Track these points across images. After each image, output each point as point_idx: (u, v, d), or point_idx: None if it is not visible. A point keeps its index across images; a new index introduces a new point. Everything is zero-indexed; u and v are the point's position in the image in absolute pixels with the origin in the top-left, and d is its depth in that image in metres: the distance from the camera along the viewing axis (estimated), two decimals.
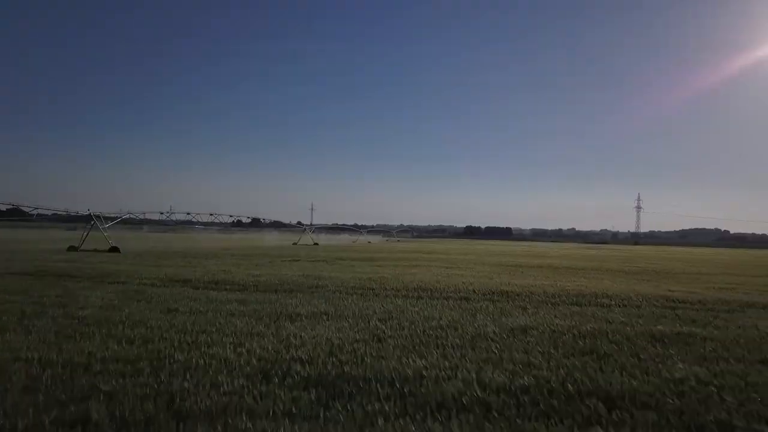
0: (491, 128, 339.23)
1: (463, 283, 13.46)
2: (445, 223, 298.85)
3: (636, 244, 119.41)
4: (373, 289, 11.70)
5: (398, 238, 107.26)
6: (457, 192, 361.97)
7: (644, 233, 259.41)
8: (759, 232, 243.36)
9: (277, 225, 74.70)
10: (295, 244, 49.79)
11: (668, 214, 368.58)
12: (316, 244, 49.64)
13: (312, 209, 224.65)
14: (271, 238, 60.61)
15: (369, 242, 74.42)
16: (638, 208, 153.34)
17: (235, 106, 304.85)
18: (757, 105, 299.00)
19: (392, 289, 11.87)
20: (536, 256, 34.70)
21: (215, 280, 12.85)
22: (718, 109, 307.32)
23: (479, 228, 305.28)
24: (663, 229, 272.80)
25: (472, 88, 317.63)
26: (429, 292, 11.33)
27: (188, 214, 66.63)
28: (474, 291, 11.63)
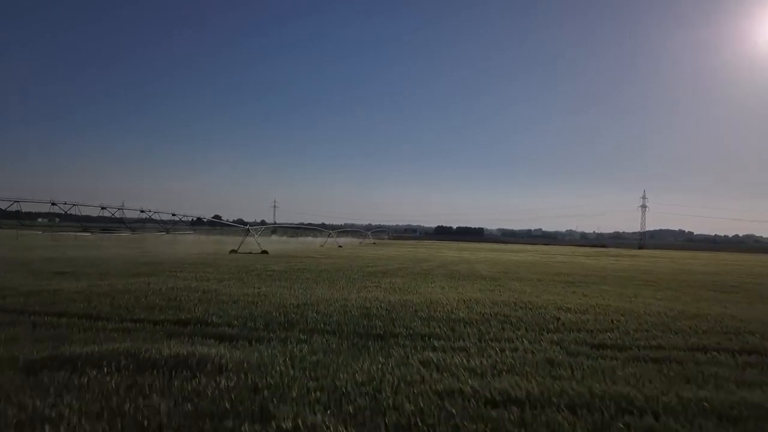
0: (459, 129, 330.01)
1: None
2: (413, 222, 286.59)
3: (641, 248, 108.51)
4: None
5: (374, 240, 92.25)
6: (424, 191, 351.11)
7: (608, 234, 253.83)
8: (721, 233, 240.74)
9: (223, 225, 58.89)
10: (234, 251, 34.32)
11: (635, 213, 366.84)
12: (264, 252, 34.28)
13: (275, 206, 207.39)
14: (199, 241, 44.74)
15: (339, 246, 59.36)
16: (644, 207, 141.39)
17: (210, 105, 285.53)
18: (718, 107, 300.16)
19: None
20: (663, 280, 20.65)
21: None
22: (682, 110, 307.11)
23: (450, 228, 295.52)
24: (629, 230, 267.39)
25: (440, 88, 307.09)
26: None
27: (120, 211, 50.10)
28: None
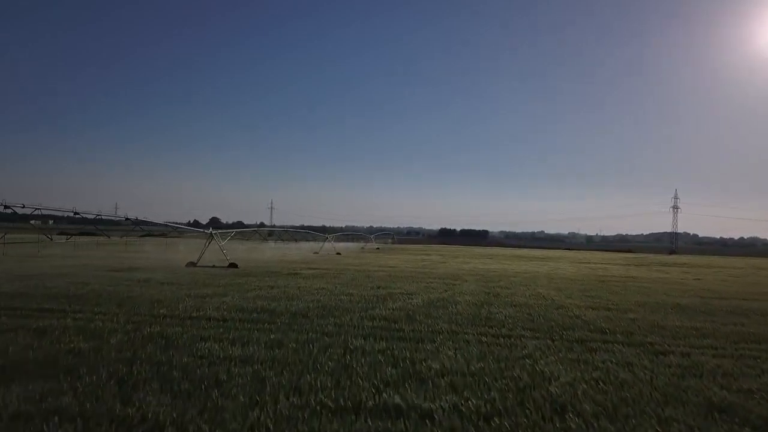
0: (460, 130, 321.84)
1: None
2: (414, 224, 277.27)
3: (672, 253, 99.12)
4: None
5: (377, 245, 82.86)
6: (425, 193, 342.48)
7: (612, 236, 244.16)
8: (726, 236, 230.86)
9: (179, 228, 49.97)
10: (192, 264, 25.25)
11: (640, 215, 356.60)
12: (232, 265, 25.22)
13: (271, 208, 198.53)
14: (165, 247, 35.45)
15: (338, 253, 50.21)
16: (675, 207, 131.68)
17: (213, 107, 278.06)
18: (720, 108, 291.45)
19: None
20: None
21: None
22: (683, 112, 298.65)
23: (454, 230, 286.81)
24: (632, 233, 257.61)
25: (440, 88, 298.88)
26: None
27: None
28: None
